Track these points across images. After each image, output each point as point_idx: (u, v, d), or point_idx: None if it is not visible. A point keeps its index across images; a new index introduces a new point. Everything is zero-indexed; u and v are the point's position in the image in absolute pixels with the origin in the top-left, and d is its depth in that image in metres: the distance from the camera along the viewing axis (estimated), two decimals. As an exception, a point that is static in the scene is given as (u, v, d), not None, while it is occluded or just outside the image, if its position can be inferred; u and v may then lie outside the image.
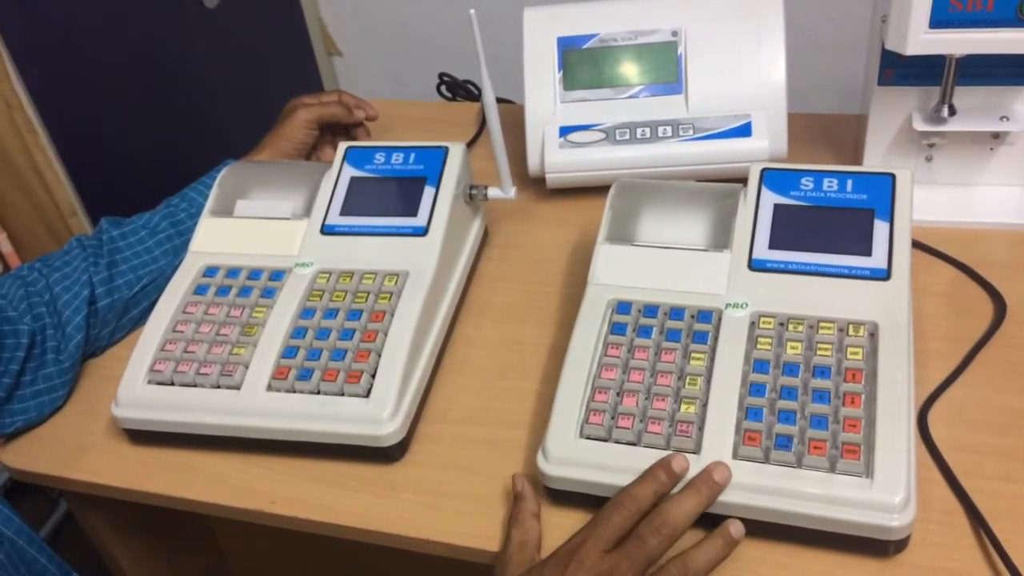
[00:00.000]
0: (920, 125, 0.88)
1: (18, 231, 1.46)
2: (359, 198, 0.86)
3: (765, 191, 0.76)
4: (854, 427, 0.63)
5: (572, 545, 0.60)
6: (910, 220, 0.72)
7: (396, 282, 0.79)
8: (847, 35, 1.72)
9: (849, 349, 0.67)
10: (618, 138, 0.96)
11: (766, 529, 0.62)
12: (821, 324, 0.69)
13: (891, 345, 0.67)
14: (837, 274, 0.71)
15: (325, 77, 2.18)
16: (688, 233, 0.76)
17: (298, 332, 0.77)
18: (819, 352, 0.67)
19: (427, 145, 0.88)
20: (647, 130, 0.95)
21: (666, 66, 0.97)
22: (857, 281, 0.70)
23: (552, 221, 0.98)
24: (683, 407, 0.66)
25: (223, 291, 0.82)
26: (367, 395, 0.73)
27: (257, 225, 0.86)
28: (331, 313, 0.78)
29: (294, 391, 0.74)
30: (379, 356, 0.75)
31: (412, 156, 0.87)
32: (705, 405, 0.66)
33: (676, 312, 0.72)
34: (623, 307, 0.74)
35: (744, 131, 0.93)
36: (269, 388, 0.75)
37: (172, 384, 0.77)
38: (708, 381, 0.68)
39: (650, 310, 0.73)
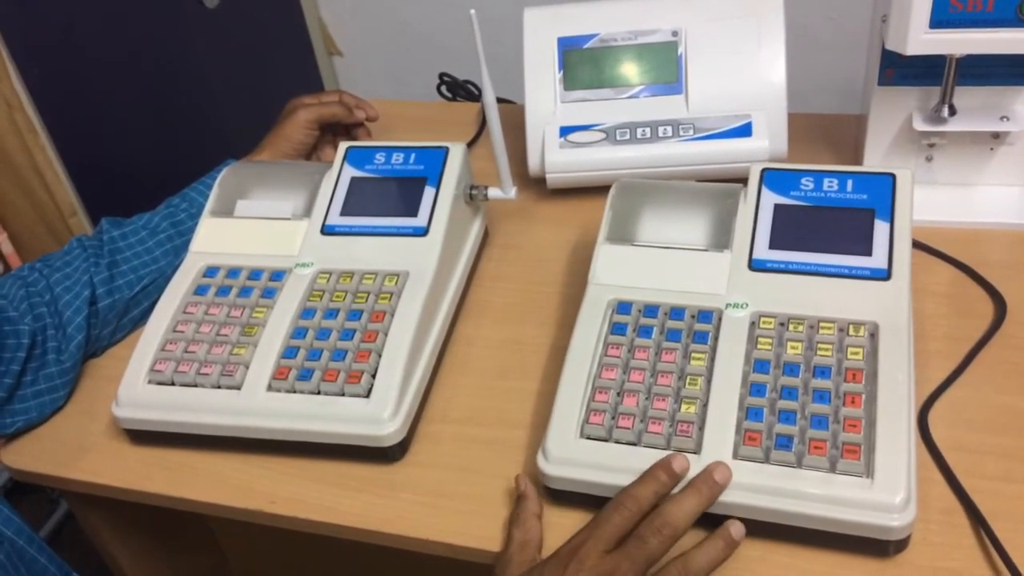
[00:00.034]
0: (920, 125, 0.88)
1: (18, 231, 1.46)
2: (359, 198, 0.86)
3: (765, 191, 0.76)
4: (854, 427, 0.63)
5: (573, 545, 0.60)
6: (910, 220, 0.72)
7: (396, 282, 0.79)
8: (847, 35, 1.72)
9: (849, 349, 0.67)
10: (618, 138, 0.96)
11: (766, 529, 0.62)
12: (821, 324, 0.69)
13: (891, 345, 0.67)
14: (837, 274, 0.71)
15: (325, 77, 2.18)
16: (688, 233, 0.76)
17: (298, 332, 0.77)
18: (819, 352, 0.67)
19: (427, 145, 0.88)
20: (647, 130, 0.95)
21: (666, 66, 0.97)
22: (857, 281, 0.70)
23: (552, 221, 0.98)
24: (683, 407, 0.66)
25: (223, 291, 0.82)
26: (367, 395, 0.73)
27: (257, 225, 0.86)
28: (331, 313, 0.78)
29: (294, 391, 0.74)
30: (379, 356, 0.75)
31: (412, 156, 0.87)
32: (705, 405, 0.66)
33: (676, 312, 0.72)
34: (623, 307, 0.74)
35: (744, 131, 0.94)
36: (269, 388, 0.75)
37: (172, 384, 0.77)
38: (708, 381, 0.68)
39: (650, 310, 0.73)
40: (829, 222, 0.73)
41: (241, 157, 0.98)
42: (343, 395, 0.73)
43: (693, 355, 0.69)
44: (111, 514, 0.91)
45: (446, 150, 0.87)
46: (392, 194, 0.85)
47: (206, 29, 1.77)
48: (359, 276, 0.80)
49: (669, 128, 0.95)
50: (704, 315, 0.72)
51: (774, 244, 0.74)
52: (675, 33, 0.97)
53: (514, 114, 1.05)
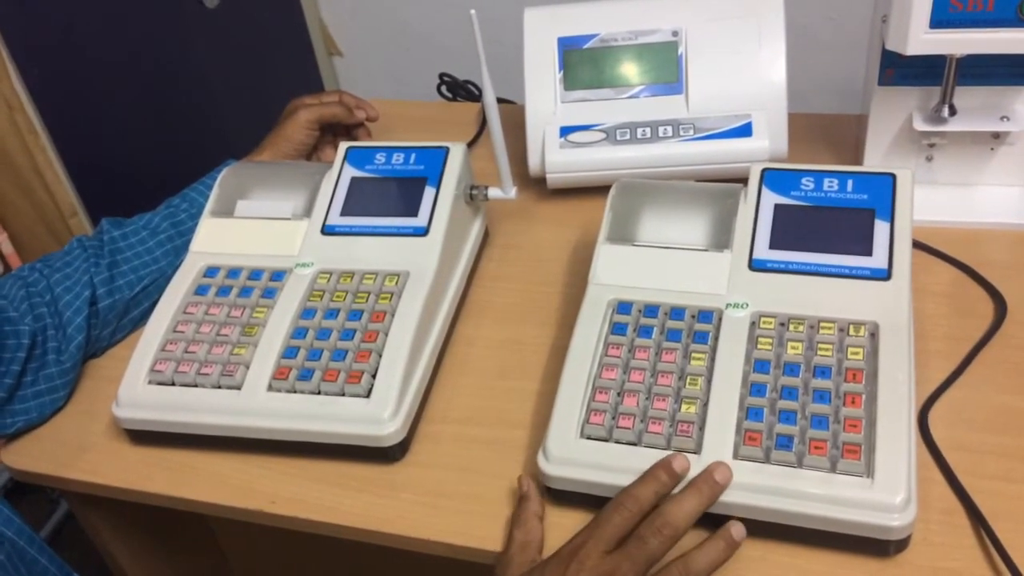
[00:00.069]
0: (920, 125, 0.88)
1: (19, 231, 1.46)
2: (360, 198, 0.86)
3: (765, 191, 0.76)
4: (855, 427, 0.63)
5: (573, 546, 0.60)
6: (911, 220, 0.72)
7: (397, 282, 0.79)
8: (847, 35, 1.72)
9: (850, 349, 0.67)
10: (619, 138, 0.96)
11: (767, 529, 0.62)
12: (822, 324, 0.69)
13: (892, 345, 0.67)
14: (838, 274, 0.71)
15: (325, 77, 2.18)
16: (689, 233, 0.76)
17: (299, 332, 0.77)
18: (820, 352, 0.67)
19: (428, 145, 0.88)
20: (647, 130, 0.95)
21: (666, 66, 0.97)
22: (858, 281, 0.70)
23: (553, 221, 0.98)
24: (684, 407, 0.66)
25: (224, 291, 0.82)
26: (368, 395, 0.73)
27: (258, 225, 0.86)
28: (332, 313, 0.78)
29: (295, 391, 0.74)
30: (380, 356, 0.75)
31: (413, 156, 0.87)
32: (706, 405, 0.66)
33: (677, 312, 0.72)
34: (624, 307, 0.74)
35: (744, 131, 0.94)
36: (270, 388, 0.75)
37: (173, 384, 0.77)
38: (709, 381, 0.68)
39: (651, 310, 0.73)
40: (829, 222, 0.73)
41: (241, 157, 0.98)
42: (343, 395, 0.73)
43: (693, 355, 0.69)
44: (111, 514, 0.91)
45: (446, 150, 0.87)
46: (392, 194, 0.85)
47: (206, 29, 1.77)
48: (359, 276, 0.80)
49: (669, 128, 0.95)
50: (704, 315, 0.72)
51: (774, 244, 0.74)
52: (675, 33, 0.97)
53: (514, 114, 1.05)
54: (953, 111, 0.86)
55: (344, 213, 0.85)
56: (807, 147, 1.00)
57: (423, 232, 0.82)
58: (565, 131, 0.97)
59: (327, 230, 0.84)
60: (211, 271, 0.84)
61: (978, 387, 0.73)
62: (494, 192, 0.90)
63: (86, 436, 0.80)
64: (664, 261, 0.75)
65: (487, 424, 0.76)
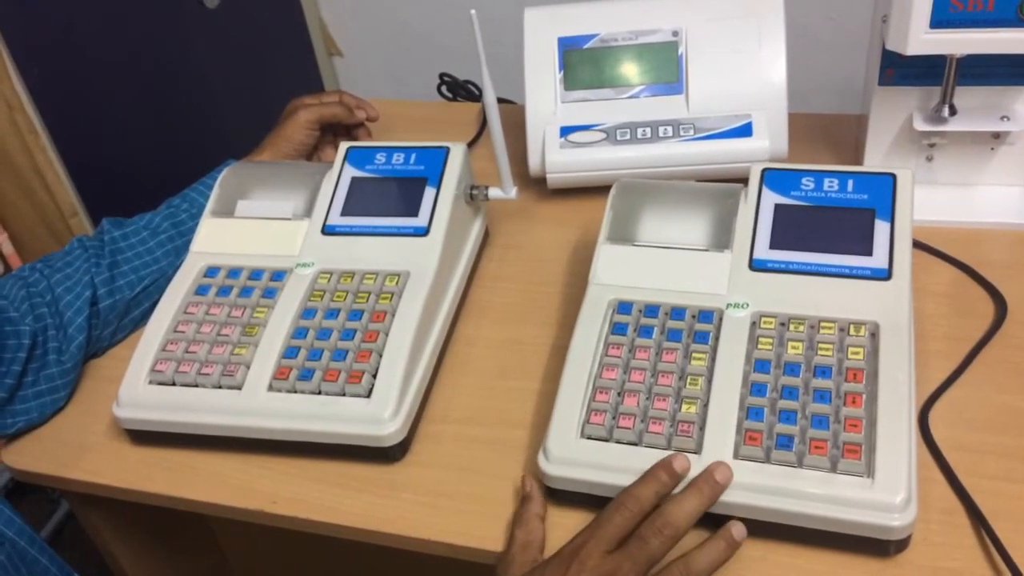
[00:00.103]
0: (921, 125, 0.88)
1: (19, 232, 1.46)
2: (360, 198, 0.86)
3: (766, 191, 0.76)
4: (855, 427, 0.63)
5: (574, 546, 0.60)
6: (911, 220, 0.72)
7: (397, 282, 0.79)
8: (847, 35, 1.72)
9: (850, 349, 0.67)
10: (619, 138, 0.96)
11: (767, 529, 0.62)
12: (822, 324, 0.69)
13: (892, 345, 0.67)
14: (838, 274, 0.71)
15: (325, 77, 2.18)
16: (689, 233, 0.76)
17: (299, 332, 0.77)
18: (820, 352, 0.67)
19: (428, 145, 0.88)
20: (648, 130, 0.95)
21: (667, 66, 0.97)
22: (858, 281, 0.70)
23: (553, 221, 0.98)
24: (684, 407, 0.66)
25: (224, 291, 0.82)
26: (368, 395, 0.73)
27: (258, 225, 0.86)
28: (332, 313, 0.78)
29: (295, 391, 0.74)
30: (380, 356, 0.75)
31: (413, 156, 0.87)
32: (706, 405, 0.66)
33: (677, 312, 0.72)
34: (624, 307, 0.74)
35: (745, 131, 0.94)
36: (270, 388, 0.75)
37: (173, 384, 0.77)
38: (709, 381, 0.68)
39: (651, 310, 0.73)
40: (830, 222, 0.73)
41: (241, 157, 0.98)
42: (344, 395, 0.74)
43: (694, 355, 0.69)
44: (112, 514, 0.91)
45: (446, 150, 0.87)
46: (393, 194, 0.85)
47: (206, 29, 1.77)
48: (360, 276, 0.81)
49: (669, 128, 0.95)
50: (705, 315, 0.72)
51: (775, 244, 0.74)
52: (675, 33, 0.97)
53: (514, 114, 1.05)
54: (953, 111, 0.87)
55: (344, 213, 0.85)
56: (807, 147, 1.00)
57: (423, 232, 0.82)
58: (565, 131, 0.97)
59: (327, 230, 0.84)
60: (212, 271, 0.84)
61: (978, 387, 0.73)
62: (494, 192, 0.90)
63: (87, 436, 0.81)
64: (664, 261, 0.75)
65: (487, 424, 0.76)
